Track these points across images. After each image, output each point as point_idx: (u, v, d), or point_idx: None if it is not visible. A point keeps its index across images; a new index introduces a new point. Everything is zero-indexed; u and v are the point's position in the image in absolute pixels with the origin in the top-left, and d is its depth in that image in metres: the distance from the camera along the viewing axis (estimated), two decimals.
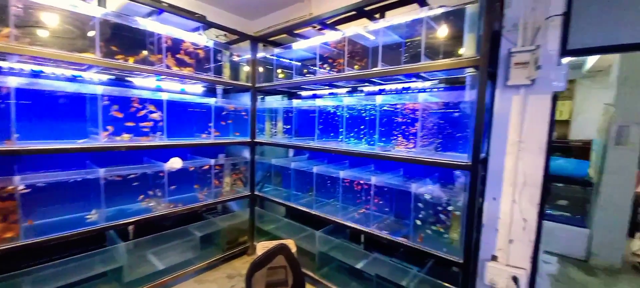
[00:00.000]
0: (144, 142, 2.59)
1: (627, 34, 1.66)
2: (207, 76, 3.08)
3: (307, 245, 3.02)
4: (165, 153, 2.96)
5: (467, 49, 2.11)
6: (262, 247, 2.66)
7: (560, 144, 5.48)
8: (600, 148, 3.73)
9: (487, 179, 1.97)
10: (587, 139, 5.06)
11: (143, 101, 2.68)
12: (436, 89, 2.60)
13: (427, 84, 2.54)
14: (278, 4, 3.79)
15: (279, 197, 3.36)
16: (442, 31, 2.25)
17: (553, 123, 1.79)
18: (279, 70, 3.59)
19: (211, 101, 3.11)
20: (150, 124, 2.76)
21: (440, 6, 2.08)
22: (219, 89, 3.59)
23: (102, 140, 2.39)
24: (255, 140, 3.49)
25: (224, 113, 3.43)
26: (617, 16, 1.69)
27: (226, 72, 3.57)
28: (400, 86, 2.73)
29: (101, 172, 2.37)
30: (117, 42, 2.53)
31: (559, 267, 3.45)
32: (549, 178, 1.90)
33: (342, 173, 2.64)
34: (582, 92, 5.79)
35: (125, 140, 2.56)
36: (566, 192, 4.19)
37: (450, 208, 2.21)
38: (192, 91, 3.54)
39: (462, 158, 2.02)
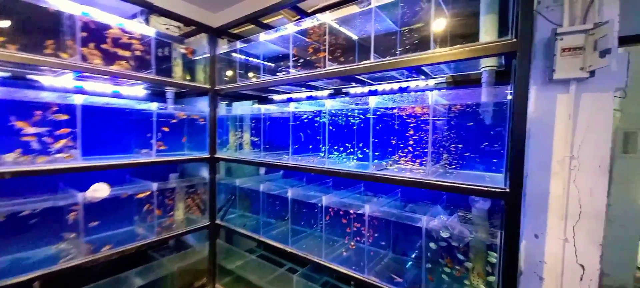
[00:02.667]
0: (41, 165, 1.81)
1: None
2: (148, 75, 2.36)
3: None
4: (89, 177, 2.19)
5: (486, 34, 1.59)
6: None
7: None
8: None
9: (523, 208, 1.44)
10: None
11: (44, 106, 1.91)
12: (438, 91, 2.09)
13: (431, 82, 2.01)
14: None
15: (246, 226, 2.67)
16: (451, 11, 1.74)
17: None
18: (251, 74, 2.94)
19: (152, 106, 2.39)
20: (61, 142, 1.99)
21: None
22: (170, 92, 2.86)
23: None
24: (216, 156, 2.79)
25: (173, 121, 2.71)
26: None
27: (178, 71, 2.85)
28: (395, 86, 2.19)
29: None
30: (15, 26, 1.79)
31: None
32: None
33: (325, 200, 2.02)
34: None
35: (7, 161, 1.77)
36: None
37: (471, 244, 1.66)
38: (133, 95, 2.79)
39: (494, 180, 1.48)
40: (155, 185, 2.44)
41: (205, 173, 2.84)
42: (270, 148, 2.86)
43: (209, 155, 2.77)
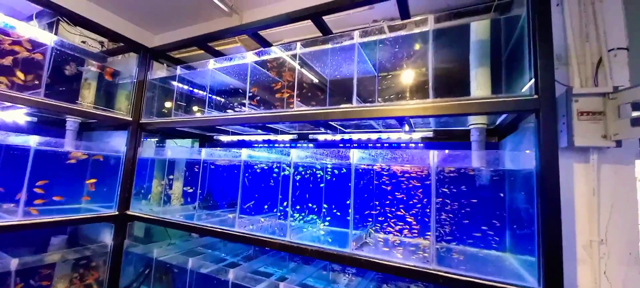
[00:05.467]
0: None
1: None
2: (29, 96, 1.62)
3: None
4: None
5: (479, 88, 1.39)
6: None
7: None
8: None
9: None
10: None
11: None
12: (414, 145, 1.83)
13: (415, 135, 1.73)
14: (193, 15, 2.67)
15: None
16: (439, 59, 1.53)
17: None
18: (195, 108, 2.37)
19: (30, 141, 1.61)
20: None
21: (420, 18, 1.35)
22: (71, 122, 2.08)
23: None
24: (128, 213, 2.01)
25: (68, 162, 1.91)
26: None
27: (87, 95, 2.13)
28: (373, 136, 1.86)
29: None
30: None
31: None
32: None
33: None
34: None
35: None
36: None
37: None
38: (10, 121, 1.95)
39: (515, 268, 1.14)
40: (14, 263, 1.56)
41: (107, 238, 2.00)
42: (209, 204, 2.21)
43: (117, 212, 1.98)
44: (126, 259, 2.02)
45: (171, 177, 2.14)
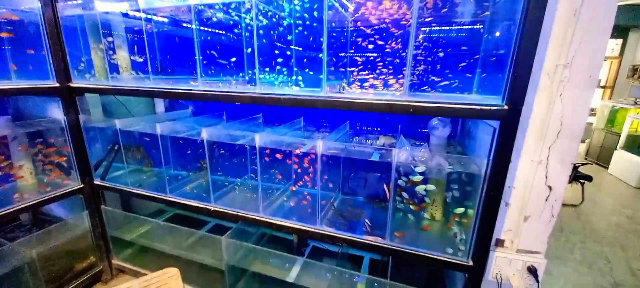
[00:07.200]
0: None
1: None
2: None
3: (206, 256, 1.85)
4: None
5: None
6: None
7: None
8: None
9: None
10: None
11: None
12: None
13: None
14: None
15: (142, 185, 1.92)
16: None
17: None
18: None
19: None
20: None
21: None
22: None
23: None
24: (72, 85, 1.77)
25: None
26: None
27: None
28: None
29: None
30: None
31: None
32: None
33: (260, 139, 1.46)
34: None
35: None
36: None
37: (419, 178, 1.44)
38: None
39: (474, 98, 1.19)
40: None
41: (57, 113, 1.81)
42: (164, 73, 1.99)
43: (59, 84, 1.73)
44: (88, 136, 1.91)
45: (110, 39, 1.80)
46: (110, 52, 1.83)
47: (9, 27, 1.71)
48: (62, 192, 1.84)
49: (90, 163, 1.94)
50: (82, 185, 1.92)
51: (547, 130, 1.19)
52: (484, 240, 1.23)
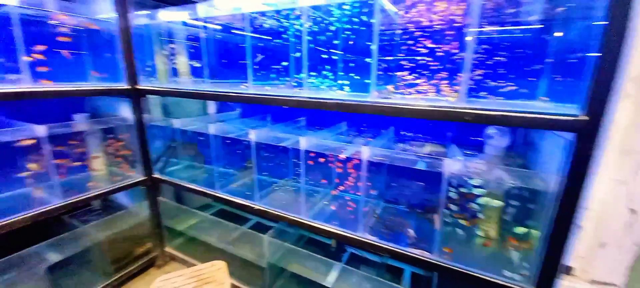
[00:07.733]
0: None
1: None
2: None
3: (248, 252, 1.92)
4: None
5: None
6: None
7: None
8: None
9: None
10: None
11: None
12: None
13: None
14: None
15: (196, 180, 2.07)
16: None
17: None
18: None
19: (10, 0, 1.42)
20: None
21: None
22: None
23: None
24: (139, 87, 1.97)
25: (58, 30, 1.75)
26: None
27: None
28: None
29: None
30: None
31: None
32: None
33: (305, 142, 1.48)
34: None
35: None
36: None
37: (480, 191, 1.33)
38: None
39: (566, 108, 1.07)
40: (42, 129, 1.62)
41: (126, 112, 2.03)
42: (216, 77, 2.12)
43: (129, 86, 1.94)
44: (150, 133, 2.10)
45: (172, 46, 1.98)
46: (172, 58, 2.01)
47: (84, 35, 1.96)
48: (129, 182, 2.06)
49: (151, 158, 2.13)
50: (146, 178, 2.13)
51: (634, 145, 1.03)
52: (550, 265, 1.10)
